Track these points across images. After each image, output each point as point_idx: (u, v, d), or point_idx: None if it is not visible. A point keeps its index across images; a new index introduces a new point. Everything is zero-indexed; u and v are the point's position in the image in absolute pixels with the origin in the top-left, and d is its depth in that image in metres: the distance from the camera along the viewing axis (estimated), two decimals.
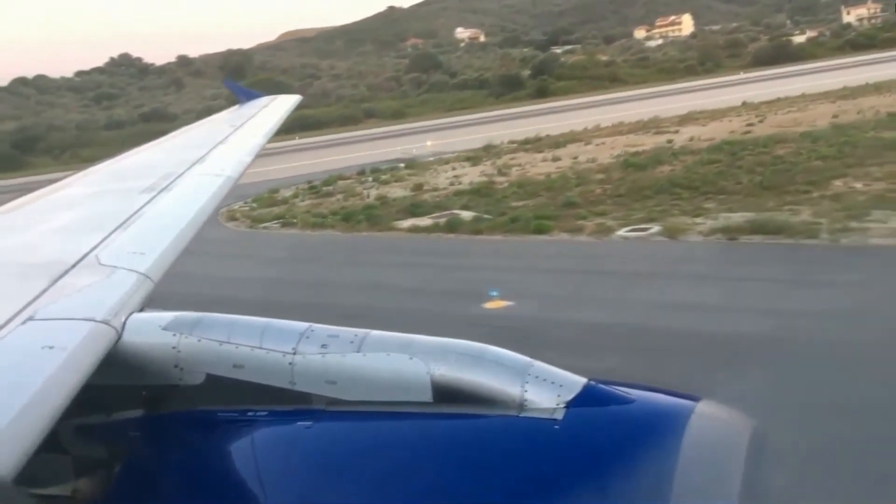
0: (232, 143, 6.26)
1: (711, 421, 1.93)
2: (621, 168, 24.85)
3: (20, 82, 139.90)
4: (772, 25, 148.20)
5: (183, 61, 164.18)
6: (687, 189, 20.43)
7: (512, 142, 35.80)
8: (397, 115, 73.35)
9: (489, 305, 11.85)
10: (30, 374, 1.96)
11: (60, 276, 2.75)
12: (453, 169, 30.06)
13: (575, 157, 28.53)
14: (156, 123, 70.42)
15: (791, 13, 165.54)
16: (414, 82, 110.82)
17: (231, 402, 2.28)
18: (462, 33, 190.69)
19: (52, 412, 1.84)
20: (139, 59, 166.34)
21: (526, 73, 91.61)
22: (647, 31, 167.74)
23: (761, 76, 64.35)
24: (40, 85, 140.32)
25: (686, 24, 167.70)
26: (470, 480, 1.96)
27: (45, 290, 2.59)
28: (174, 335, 2.35)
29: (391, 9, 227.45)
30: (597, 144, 31.45)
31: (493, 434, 2.00)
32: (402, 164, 32.75)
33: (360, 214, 22.34)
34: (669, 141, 29.40)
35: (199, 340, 2.31)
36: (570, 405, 1.97)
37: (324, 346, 2.19)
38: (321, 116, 69.70)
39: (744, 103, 39.74)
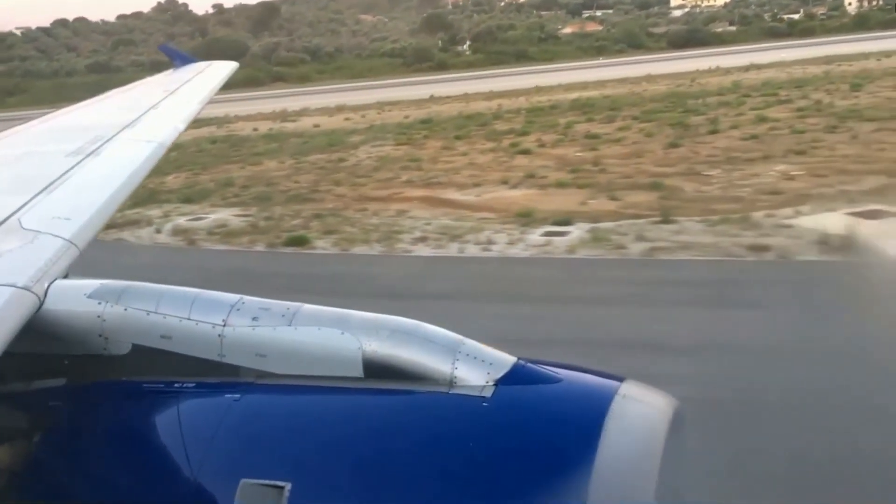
0: (164, 109, 6.25)
1: (635, 400, 2.07)
2: None
3: (60, 24, 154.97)
4: (809, 0, 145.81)
5: (218, 10, 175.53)
6: None
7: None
8: (303, 80, 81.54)
9: None
10: None
11: None
12: None
13: None
14: (101, 74, 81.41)
15: None
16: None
17: (158, 373, 2.32)
18: None
19: None
20: (184, 6, 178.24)
21: (464, 44, 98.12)
22: None
23: (611, 63, 69.27)
24: (77, 27, 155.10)
25: None
26: (399, 456, 2.03)
27: None
28: (99, 304, 2.37)
29: None
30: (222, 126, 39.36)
31: (423, 410, 2.09)
32: None
33: None
34: (255, 129, 37.34)
35: (126, 310, 2.34)
36: (498, 383, 2.09)
37: (255, 318, 2.26)
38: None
39: (431, 96, 46.58)
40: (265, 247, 16.75)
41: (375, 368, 2.15)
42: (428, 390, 2.09)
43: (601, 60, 73.46)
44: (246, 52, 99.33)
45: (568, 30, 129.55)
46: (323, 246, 16.37)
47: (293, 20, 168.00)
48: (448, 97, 46.33)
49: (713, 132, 26.72)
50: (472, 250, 15.30)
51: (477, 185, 21.73)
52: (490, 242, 15.64)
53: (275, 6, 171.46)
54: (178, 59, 10.07)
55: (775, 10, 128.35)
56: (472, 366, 2.11)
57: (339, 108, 43.00)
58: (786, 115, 28.94)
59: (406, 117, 37.46)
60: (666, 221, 16.09)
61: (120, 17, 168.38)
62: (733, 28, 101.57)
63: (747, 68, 48.71)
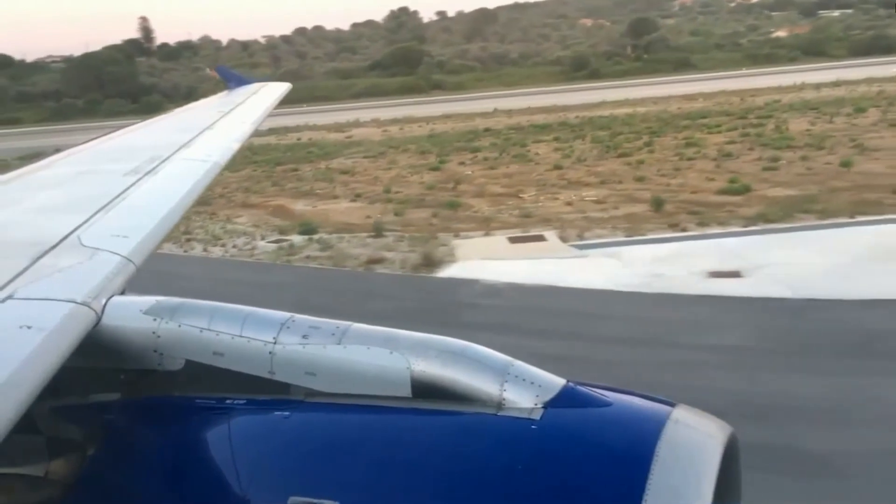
0: (219, 129, 6.56)
1: (687, 425, 2.05)
2: None
3: (299, 32, 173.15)
4: None
5: (441, 17, 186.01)
6: None
7: None
8: (459, 88, 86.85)
9: None
10: (7, 353, 2.05)
11: (41, 256, 2.84)
12: None
13: None
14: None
15: None
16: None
17: (209, 390, 2.40)
18: None
19: (29, 392, 1.93)
20: (414, 13, 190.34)
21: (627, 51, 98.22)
22: None
23: (756, 72, 67.43)
24: (313, 36, 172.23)
25: None
26: (446, 477, 2.04)
27: (24, 270, 2.68)
28: (154, 320, 2.46)
29: None
30: (281, 135, 45.55)
31: (471, 432, 2.10)
32: None
33: None
34: (298, 139, 43.09)
35: (180, 326, 2.43)
36: (547, 406, 2.08)
37: (304, 336, 2.32)
38: (389, 86, 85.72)
39: (495, 110, 49.75)
40: None
41: (424, 389, 2.18)
42: (476, 411, 2.11)
43: (743, 71, 71.33)
44: (422, 60, 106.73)
45: (781, 33, 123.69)
46: None
47: (508, 25, 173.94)
48: (513, 110, 49.24)
49: (622, 155, 28.09)
50: (196, 250, 19.39)
51: (335, 197, 25.47)
52: (222, 246, 19.62)
53: (490, 13, 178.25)
54: (233, 80, 10.58)
55: None
56: (520, 387, 2.11)
57: (395, 121, 47.53)
58: (721, 140, 29.35)
59: (430, 131, 41.26)
60: (377, 236, 19.09)
61: (353, 25, 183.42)
62: None
63: (821, 86, 46.52)
